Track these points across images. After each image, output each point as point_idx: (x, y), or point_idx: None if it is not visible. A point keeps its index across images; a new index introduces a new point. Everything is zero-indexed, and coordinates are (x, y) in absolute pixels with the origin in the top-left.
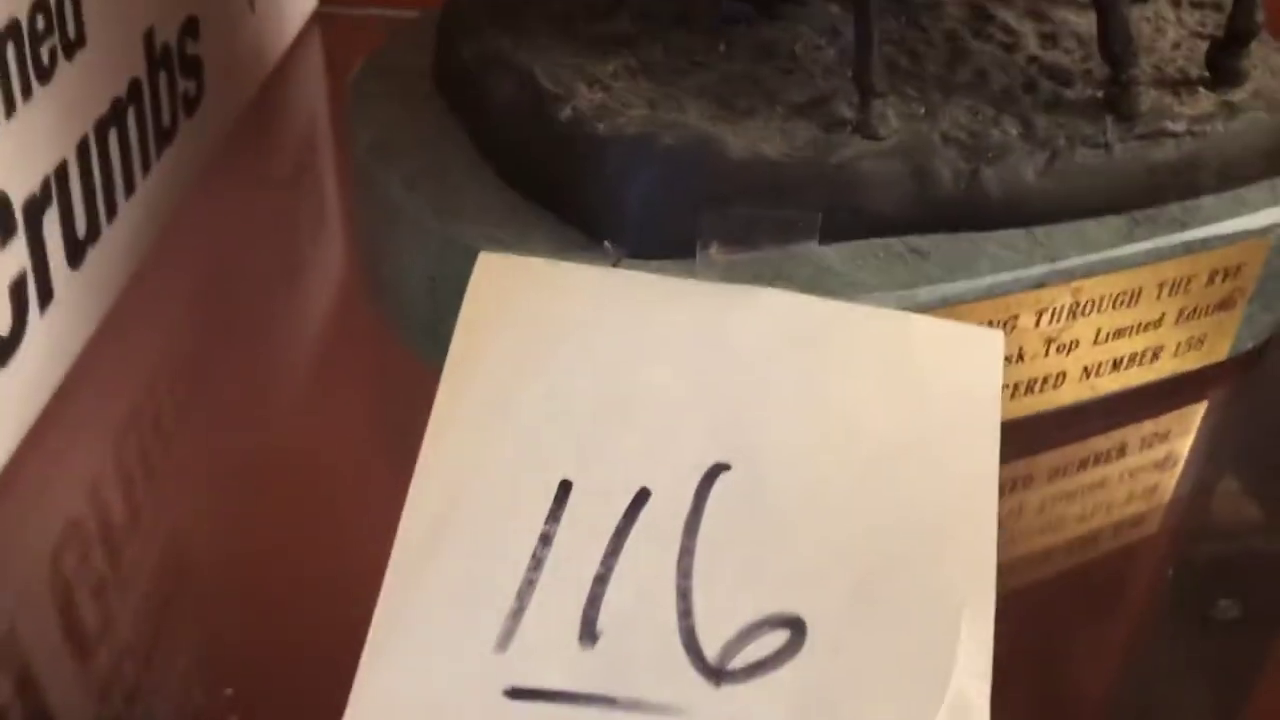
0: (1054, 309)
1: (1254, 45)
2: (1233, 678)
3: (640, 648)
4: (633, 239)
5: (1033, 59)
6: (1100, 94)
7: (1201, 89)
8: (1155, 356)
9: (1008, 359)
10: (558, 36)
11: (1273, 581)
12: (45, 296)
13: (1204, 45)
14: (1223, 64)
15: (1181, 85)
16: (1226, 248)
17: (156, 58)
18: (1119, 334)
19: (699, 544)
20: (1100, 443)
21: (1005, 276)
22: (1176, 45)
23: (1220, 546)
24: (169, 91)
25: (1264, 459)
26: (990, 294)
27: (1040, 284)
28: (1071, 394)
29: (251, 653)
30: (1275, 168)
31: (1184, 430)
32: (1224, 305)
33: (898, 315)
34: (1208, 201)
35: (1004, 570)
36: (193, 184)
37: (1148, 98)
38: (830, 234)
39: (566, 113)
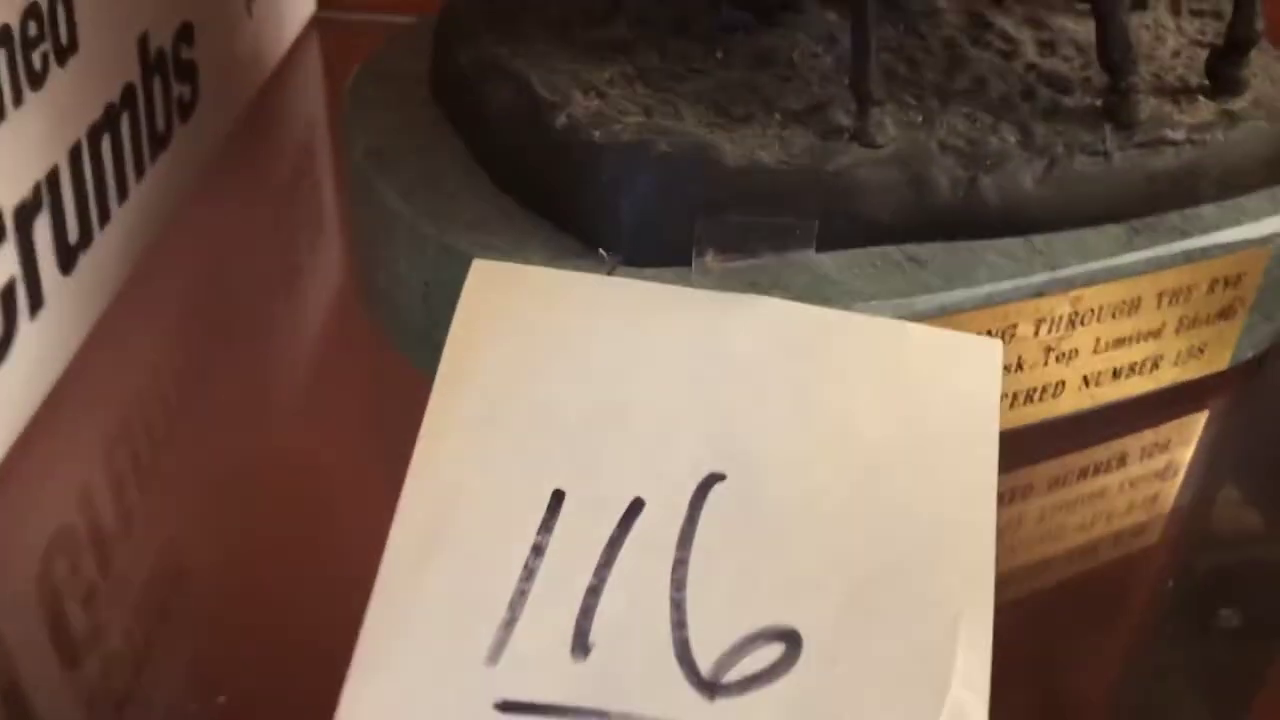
0: (1053, 318)
1: (1254, 53)
2: (1234, 687)
3: (633, 660)
4: (628, 246)
5: (1031, 67)
6: (1099, 102)
7: (1201, 97)
8: (1155, 366)
9: (1006, 368)
10: (554, 43)
11: (1274, 591)
12: (36, 303)
13: (1204, 53)
14: (1223, 72)
15: (1181, 93)
16: (1227, 257)
17: (151, 63)
18: (1119, 343)
19: (693, 555)
20: (1100, 452)
21: (1004, 285)
22: (1176, 53)
23: (1221, 556)
24: (163, 97)
25: (1265, 468)
26: (989, 303)
27: (1039, 293)
28: (1071, 403)
29: (243, 660)
30: (1275, 176)
31: (1184, 440)
32: (1224, 314)
33: (895, 324)
34: (1208, 210)
35: (1004, 580)
36: (188, 189)
37: (1147, 106)
38: (827, 242)
39: (562, 120)
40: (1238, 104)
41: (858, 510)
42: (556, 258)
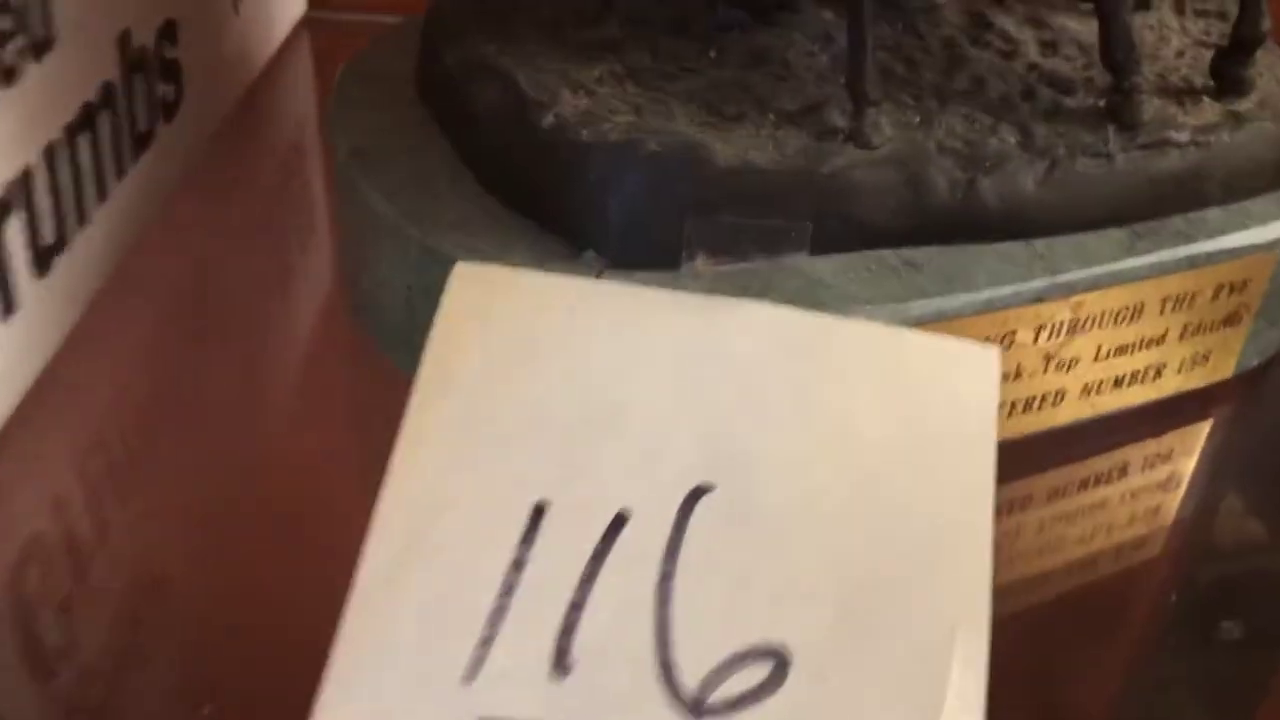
0: (1053, 324)
1: (1260, 53)
2: (1236, 700)
3: (616, 679)
4: (616, 249)
5: (1032, 66)
6: (1101, 103)
7: (1206, 98)
8: (1158, 374)
9: (1005, 376)
10: (544, 42)
11: (1277, 603)
12: (8, 306)
13: (1208, 54)
14: (1227, 73)
15: (1185, 94)
16: (1232, 262)
17: (132, 61)
18: (1120, 351)
19: (680, 569)
20: (1101, 462)
21: (1003, 290)
22: (1180, 54)
23: (1224, 568)
24: (146, 96)
25: (1270, 478)
26: (987, 308)
27: (1039, 298)
28: (1071, 412)
29: (225, 670)
30: None
31: (1188, 450)
32: (1229, 321)
33: (890, 330)
34: (1212, 214)
35: (1003, 593)
36: (172, 190)
37: (1150, 106)
38: (821, 245)
39: (549, 119)
40: (1243, 105)
41: (850, 522)
42: (542, 260)
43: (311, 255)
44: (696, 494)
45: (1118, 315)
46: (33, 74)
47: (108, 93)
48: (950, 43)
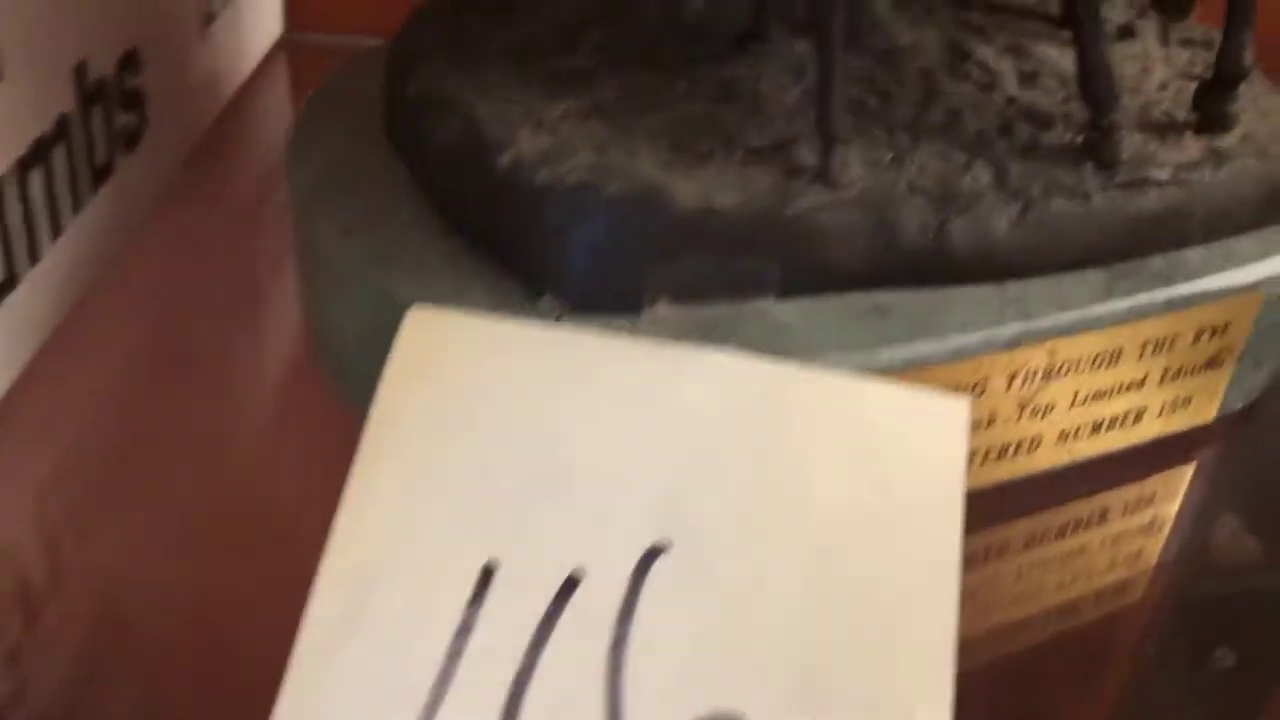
0: (1027, 370)
1: (1244, 87)
2: None
3: None
4: (575, 294)
5: (1010, 100)
6: (1080, 139)
7: (1188, 134)
8: (1138, 419)
9: (977, 424)
10: (510, 72)
11: (1263, 651)
12: None
13: (1192, 86)
14: (1210, 108)
15: (1167, 129)
16: (1214, 304)
17: (89, 92)
18: (1098, 396)
19: (633, 634)
20: (1081, 508)
21: (974, 337)
22: (1163, 86)
23: (1207, 616)
24: (105, 127)
25: (1255, 523)
26: (958, 356)
27: (1012, 344)
28: (1048, 459)
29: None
30: (1266, 218)
31: (1170, 493)
32: (1212, 364)
33: (855, 381)
34: (1194, 254)
35: (979, 642)
36: (136, 222)
37: (1130, 143)
38: (787, 289)
39: (506, 159)
40: (1226, 141)
41: (811, 587)
42: (500, 304)
43: (279, 289)
44: (652, 554)
45: (1095, 360)
46: None
47: (63, 125)
48: (927, 74)
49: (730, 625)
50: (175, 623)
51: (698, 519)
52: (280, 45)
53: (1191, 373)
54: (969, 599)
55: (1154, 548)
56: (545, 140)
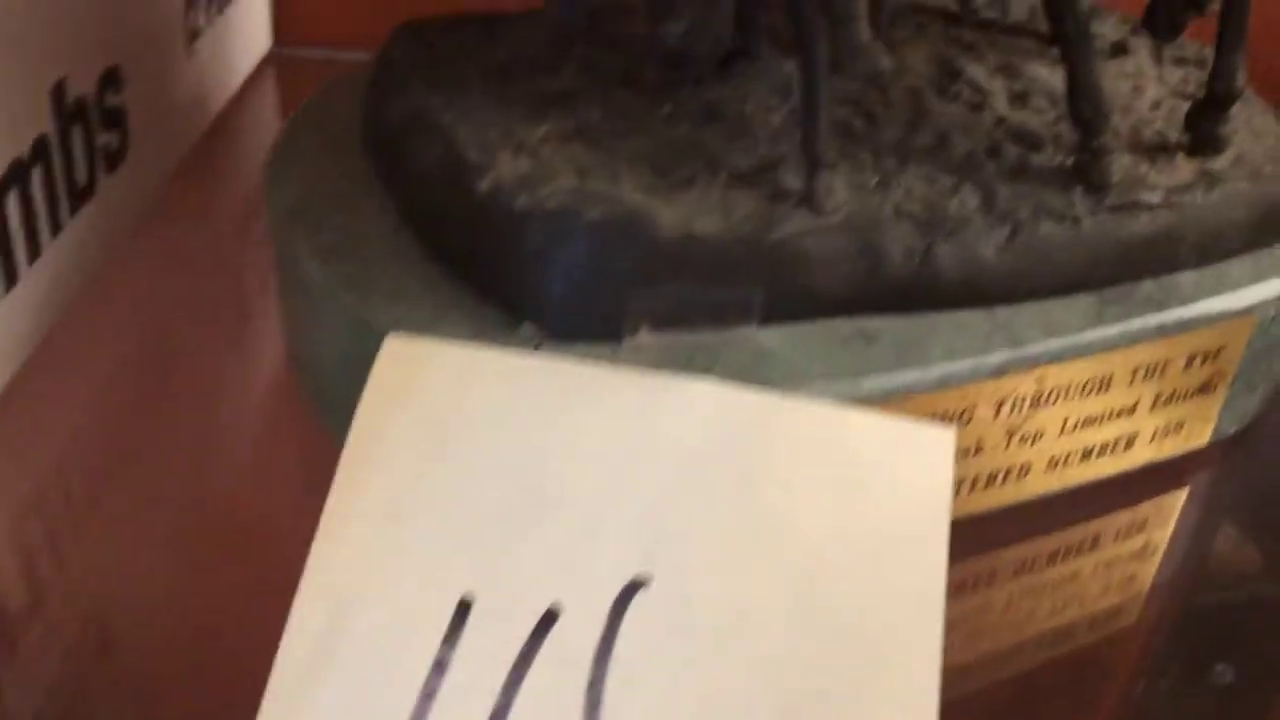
0: (1015, 398)
1: (1238, 107)
2: None
3: None
4: (555, 321)
5: (1000, 120)
6: (1070, 161)
7: (1179, 155)
8: (1130, 445)
9: (965, 451)
10: (493, 93)
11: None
12: None
13: (1185, 105)
14: (1202, 129)
15: (1159, 151)
16: (1206, 329)
17: (69, 112)
18: (1088, 423)
19: (611, 672)
20: (1072, 534)
21: (961, 364)
22: (1156, 105)
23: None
24: (85, 147)
25: (1249, 547)
26: (944, 384)
27: (1000, 372)
28: (1038, 486)
29: None
30: (1258, 240)
31: (1163, 519)
32: (1204, 389)
33: (838, 411)
34: (1185, 278)
35: (969, 670)
36: (118, 241)
37: (1120, 165)
38: (771, 315)
39: (485, 184)
40: (1218, 163)
41: (793, 624)
42: (479, 332)
43: (262, 309)
44: (631, 589)
45: (1084, 387)
46: None
47: (41, 146)
48: (916, 94)
49: (711, 661)
50: (156, 638)
51: (678, 551)
52: (269, 59)
53: (1184, 398)
54: (962, 626)
55: (1147, 572)
56: (525, 164)
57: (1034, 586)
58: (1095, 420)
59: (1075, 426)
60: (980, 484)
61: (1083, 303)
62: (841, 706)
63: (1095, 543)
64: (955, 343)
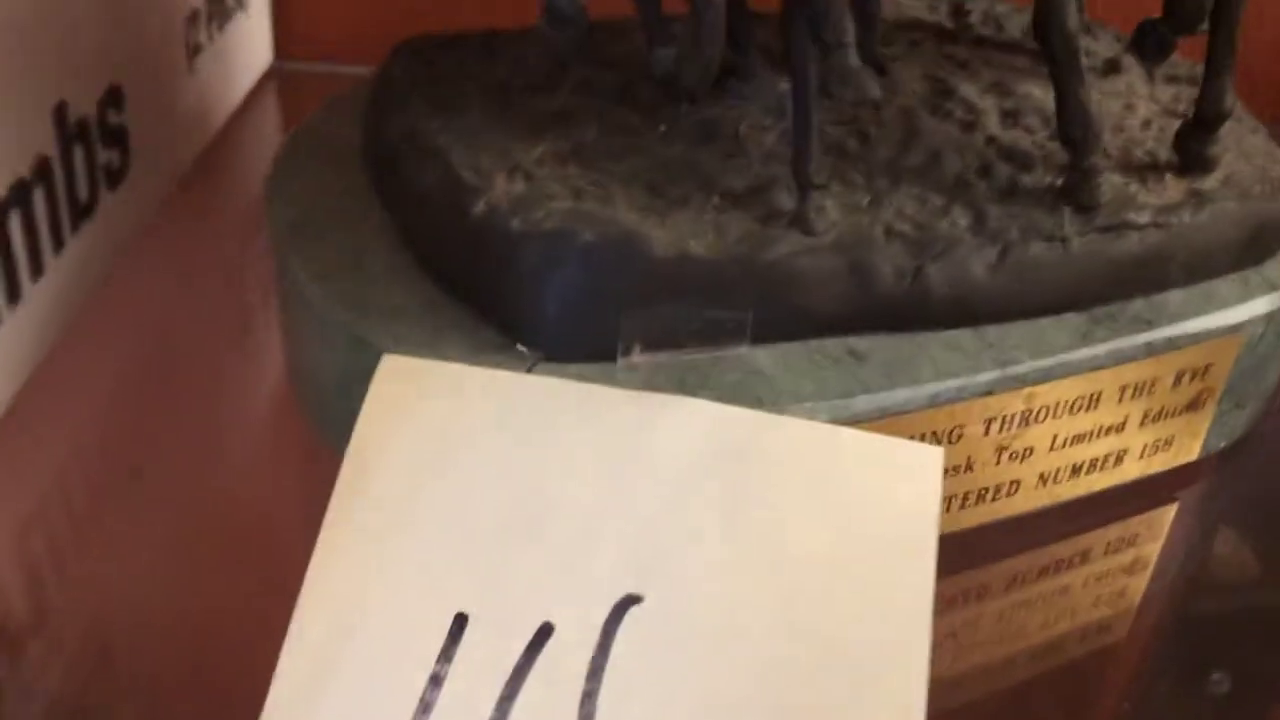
0: (1005, 416)
1: (1228, 127)
2: None
3: None
4: (549, 341)
5: (991, 139)
6: (1059, 181)
7: (1169, 175)
8: (1119, 461)
9: (955, 468)
10: (490, 113)
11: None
12: None
13: (1176, 123)
14: (1191, 150)
15: (1149, 170)
16: (1194, 347)
17: (70, 132)
18: (1078, 439)
19: (604, 687)
20: (1062, 549)
21: (950, 384)
22: (1147, 124)
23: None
24: (86, 166)
25: (1239, 561)
26: (934, 402)
27: (988, 391)
28: (1028, 502)
29: None
30: (1247, 259)
31: (1153, 534)
32: (1193, 406)
33: (828, 430)
34: (1174, 296)
35: (959, 682)
36: (121, 258)
37: (1110, 185)
38: (763, 334)
39: (481, 206)
40: (1207, 183)
41: (782, 640)
42: (476, 351)
43: (264, 324)
44: (625, 605)
45: (1073, 405)
46: None
47: (43, 166)
48: (908, 113)
49: (703, 675)
50: (158, 650)
51: (671, 566)
52: (270, 74)
53: (1173, 415)
54: (954, 639)
55: (1138, 586)
56: (521, 185)
57: (1025, 600)
58: (1085, 437)
59: (1065, 443)
60: (971, 500)
61: (1072, 322)
62: (831, 714)
63: (1086, 557)
64: (945, 362)
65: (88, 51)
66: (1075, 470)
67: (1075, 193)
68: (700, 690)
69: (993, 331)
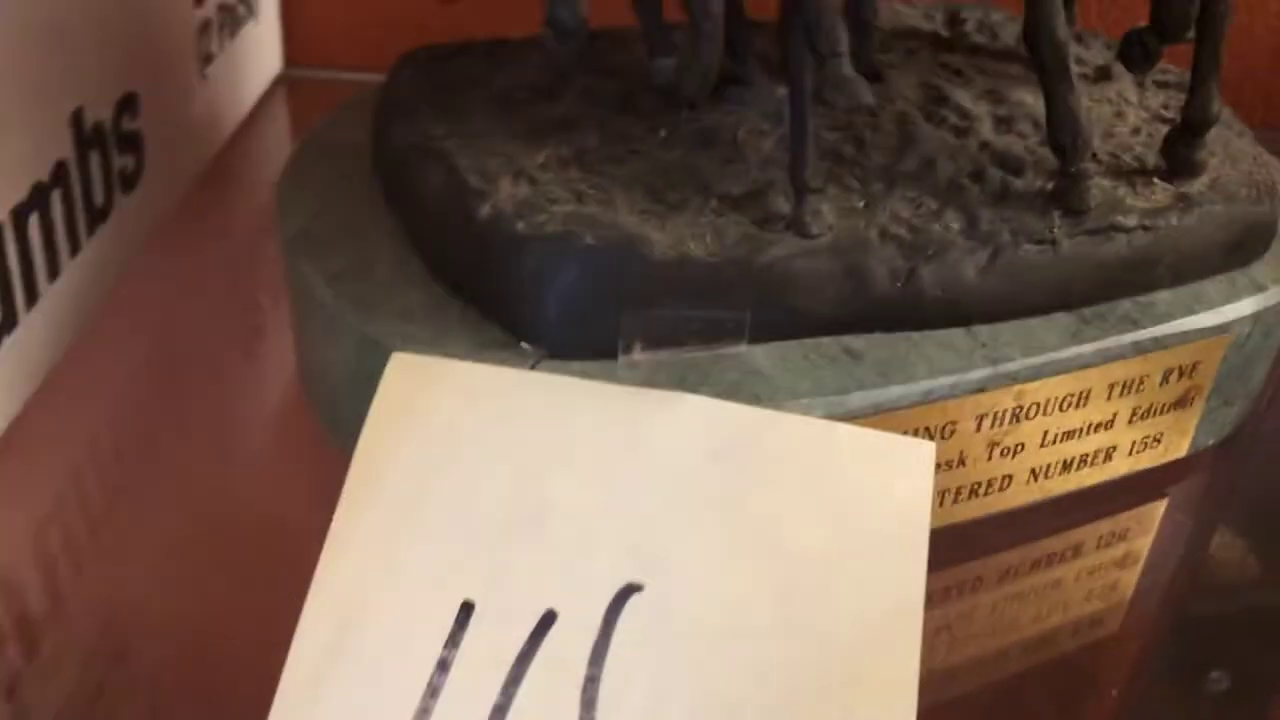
0: (996, 413)
1: (1215, 130)
2: None
3: None
4: (553, 340)
5: (984, 145)
6: (1050, 185)
7: (1157, 180)
8: (1109, 457)
9: (948, 463)
10: (495, 120)
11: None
12: None
13: (1165, 130)
14: (1179, 155)
15: (1137, 175)
16: (1181, 346)
17: (87, 137)
18: (1068, 436)
19: (606, 672)
20: (1054, 543)
21: (943, 381)
22: (1136, 130)
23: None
24: (102, 170)
25: (1229, 555)
26: (927, 399)
27: (980, 388)
28: (1020, 496)
29: None
30: (1233, 261)
31: (1144, 529)
32: (1181, 404)
33: (823, 425)
34: (1161, 297)
35: (952, 674)
36: (135, 261)
37: (1098, 191)
38: (761, 334)
39: (486, 210)
40: (1194, 187)
41: (779, 627)
42: (482, 349)
43: (275, 326)
44: (626, 593)
45: (1063, 402)
46: None
47: (60, 171)
48: (903, 119)
49: (699, 664)
50: (169, 645)
51: (670, 559)
52: (280, 81)
53: (1161, 412)
54: (947, 631)
55: (1129, 580)
56: (525, 189)
57: (1018, 593)
58: (1075, 433)
59: (1055, 439)
60: (964, 494)
61: (1061, 321)
62: (824, 704)
63: (1078, 551)
64: (938, 360)
65: (104, 59)
66: (1066, 466)
67: (1065, 197)
68: (697, 674)
69: (984, 331)
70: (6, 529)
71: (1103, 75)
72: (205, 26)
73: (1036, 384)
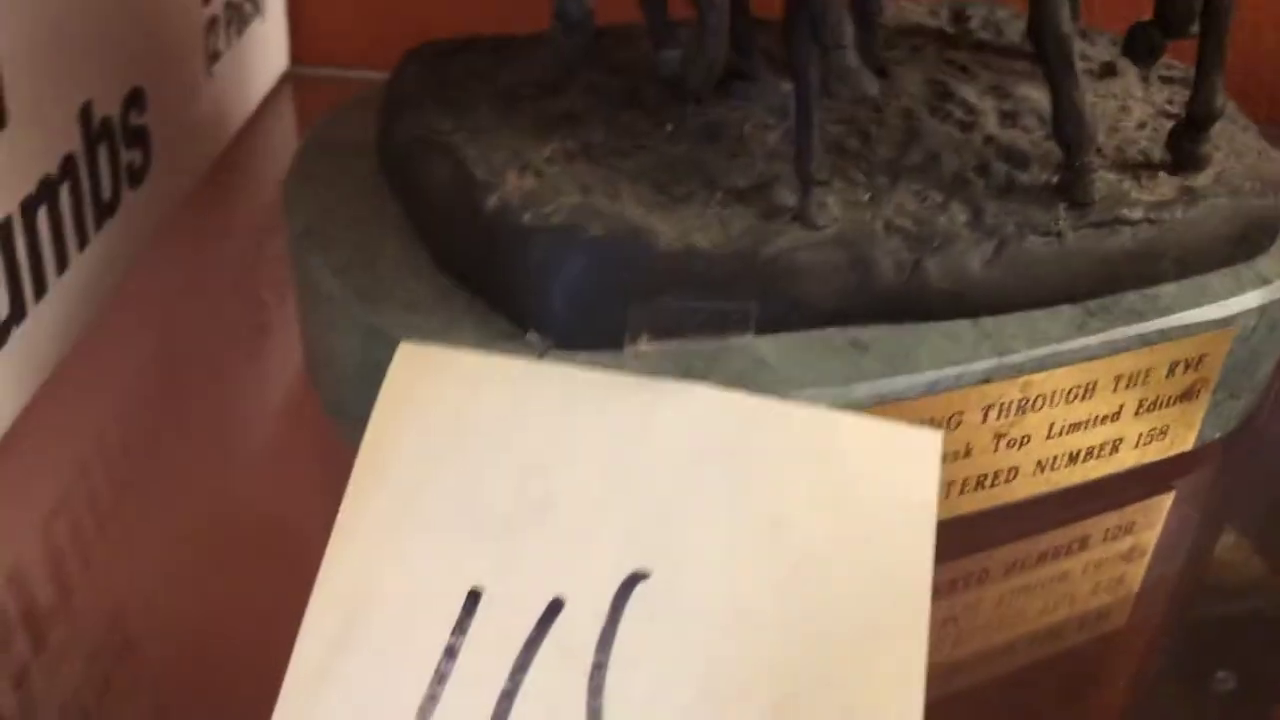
0: (1002, 404)
1: (1219, 125)
2: None
3: None
4: (560, 330)
5: (989, 139)
6: (1055, 179)
7: (1163, 173)
8: (1115, 449)
9: (954, 455)
10: (500, 114)
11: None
12: None
13: (1170, 124)
14: (1184, 149)
15: (1142, 169)
16: (1187, 339)
17: (95, 132)
18: (1074, 428)
19: (613, 659)
20: (1062, 535)
21: (949, 372)
22: (1142, 125)
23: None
24: (110, 164)
25: (1235, 549)
26: (933, 390)
27: (986, 379)
28: (1026, 488)
29: None
30: (1238, 254)
31: (1150, 522)
32: (1186, 396)
33: (829, 414)
34: (1167, 290)
35: (958, 668)
36: (141, 256)
37: (1103, 184)
38: (767, 325)
39: (493, 201)
40: (1199, 180)
41: (786, 616)
42: (488, 340)
43: (281, 320)
44: (632, 581)
45: (1069, 394)
46: None
47: (69, 165)
48: (909, 113)
49: (706, 652)
50: (176, 637)
51: (676, 548)
52: (286, 78)
53: (1167, 405)
54: (953, 623)
55: (1136, 573)
56: (531, 182)
57: (1025, 585)
58: (1080, 425)
59: (1061, 431)
60: (970, 486)
61: (1067, 314)
62: (831, 695)
63: (1084, 544)
64: (943, 351)
65: (112, 55)
66: (1072, 458)
67: (1070, 190)
68: (704, 662)
69: (990, 322)
70: (13, 521)
71: (1108, 71)
72: (212, 24)
73: (1042, 375)
